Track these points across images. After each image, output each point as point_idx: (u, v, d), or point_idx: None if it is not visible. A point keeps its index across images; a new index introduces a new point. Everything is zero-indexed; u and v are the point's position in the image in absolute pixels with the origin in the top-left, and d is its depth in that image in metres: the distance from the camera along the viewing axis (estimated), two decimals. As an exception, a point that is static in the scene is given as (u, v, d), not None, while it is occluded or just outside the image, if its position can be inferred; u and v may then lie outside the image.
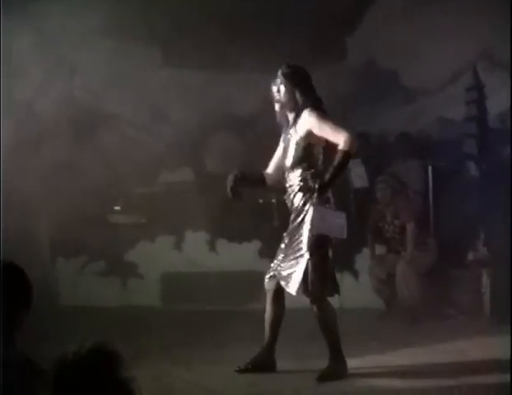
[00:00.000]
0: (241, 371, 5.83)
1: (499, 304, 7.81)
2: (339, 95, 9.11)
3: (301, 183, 5.66)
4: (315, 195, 5.52)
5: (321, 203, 5.53)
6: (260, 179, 6.12)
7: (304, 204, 5.60)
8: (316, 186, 5.52)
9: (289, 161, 5.73)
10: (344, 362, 5.65)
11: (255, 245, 9.59)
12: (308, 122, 5.60)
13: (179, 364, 6.04)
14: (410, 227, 8.21)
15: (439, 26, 9.90)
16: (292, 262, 5.64)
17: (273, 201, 10.33)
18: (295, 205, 5.68)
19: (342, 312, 6.67)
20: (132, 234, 9.67)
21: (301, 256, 5.59)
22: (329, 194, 5.62)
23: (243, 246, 9.65)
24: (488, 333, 7.20)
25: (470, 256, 8.41)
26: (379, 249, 8.71)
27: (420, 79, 10.26)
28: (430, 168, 9.20)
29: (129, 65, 9.48)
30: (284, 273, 5.69)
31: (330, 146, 5.61)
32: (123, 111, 9.82)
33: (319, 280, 5.55)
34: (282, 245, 5.79)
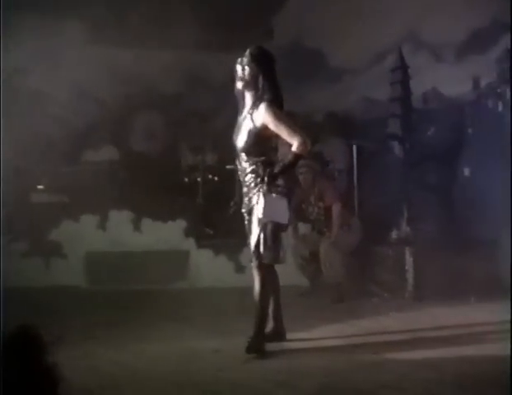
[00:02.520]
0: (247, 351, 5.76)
1: (421, 282, 7.96)
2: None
3: (252, 167, 5.72)
4: (265, 183, 5.58)
5: (270, 191, 5.62)
6: None
7: (255, 186, 5.70)
8: (266, 176, 5.61)
9: (240, 144, 5.77)
10: (263, 338, 5.72)
11: (180, 224, 9.57)
12: (264, 116, 5.65)
13: (104, 345, 5.98)
14: (335, 208, 8.25)
15: (365, 7, 9.97)
16: (249, 234, 5.77)
17: (198, 179, 10.34)
18: (246, 183, 5.78)
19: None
20: (55, 213, 9.55)
21: (254, 228, 5.70)
22: (279, 180, 5.69)
23: (167, 225, 9.62)
24: (411, 310, 7.33)
25: (393, 235, 8.52)
26: (303, 228, 8.76)
27: (345, 59, 10.35)
28: (354, 147, 9.29)
29: (53, 42, 9.32)
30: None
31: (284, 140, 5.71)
32: (46, 88, 9.66)
33: (269, 249, 5.63)
34: (246, 222, 5.84)
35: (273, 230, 5.69)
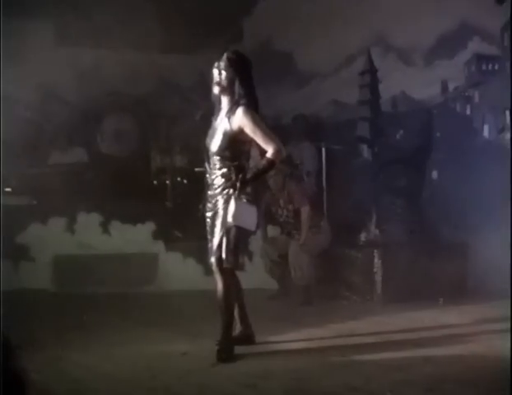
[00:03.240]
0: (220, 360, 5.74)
1: (389, 285, 7.99)
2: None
3: (223, 171, 5.69)
4: (236, 188, 5.57)
5: (240, 197, 5.59)
6: None
7: (223, 190, 5.67)
8: (238, 181, 5.58)
9: (214, 147, 5.74)
10: (231, 342, 5.72)
11: (149, 227, 9.54)
12: (241, 120, 5.62)
13: (73, 349, 5.94)
14: (304, 211, 8.25)
15: (334, 10, 10.01)
16: (212, 237, 5.73)
17: (167, 182, 10.31)
18: (215, 186, 5.73)
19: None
20: (23, 215, 9.48)
21: (217, 231, 5.67)
22: (248, 188, 5.67)
23: (136, 228, 9.58)
24: (379, 313, 7.36)
25: (362, 237, 8.55)
26: (273, 231, 8.77)
27: (314, 62, 10.39)
28: (323, 150, 9.32)
29: (20, 43, 9.26)
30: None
31: (258, 146, 5.70)
32: (13, 90, 9.58)
33: (231, 254, 5.62)
34: (207, 227, 5.81)
35: (237, 236, 5.66)
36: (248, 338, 6.04)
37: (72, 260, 9.32)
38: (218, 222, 5.68)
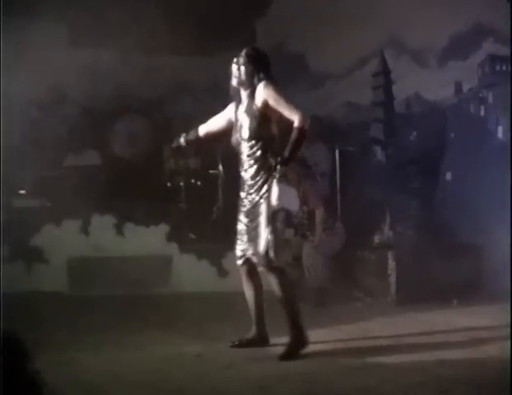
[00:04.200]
0: (235, 346, 5.95)
1: (403, 286, 7.97)
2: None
3: (258, 158, 5.70)
4: (277, 171, 5.56)
5: (281, 179, 5.58)
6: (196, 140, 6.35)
7: (262, 179, 5.67)
8: (277, 163, 5.57)
9: (245, 133, 5.74)
10: (305, 338, 5.73)
11: (163, 229, 9.54)
12: (264, 92, 5.65)
13: (86, 351, 5.95)
14: (318, 213, 8.24)
15: (347, 12, 10.00)
16: (256, 237, 5.70)
17: (181, 184, 10.32)
18: (251, 178, 5.73)
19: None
20: (37, 217, 9.50)
21: (262, 229, 5.65)
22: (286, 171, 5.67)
23: (150, 230, 9.59)
24: (392, 315, 7.34)
25: (376, 239, 8.53)
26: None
27: (327, 64, 10.37)
28: (337, 151, 9.30)
29: (35, 45, 9.28)
30: (251, 251, 5.72)
31: (284, 124, 5.67)
32: (28, 92, 9.62)
33: (281, 252, 5.63)
34: (242, 226, 5.80)
35: (284, 220, 5.70)
36: (262, 340, 6.04)
37: (85, 262, 9.34)
38: (262, 211, 5.65)
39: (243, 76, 5.78)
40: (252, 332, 6.04)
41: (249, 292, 6.04)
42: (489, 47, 10.10)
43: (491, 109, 9.95)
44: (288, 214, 5.79)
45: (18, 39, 8.95)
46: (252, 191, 5.75)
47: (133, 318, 7.32)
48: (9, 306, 7.32)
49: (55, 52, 9.63)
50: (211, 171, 9.99)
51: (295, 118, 5.55)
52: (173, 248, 9.48)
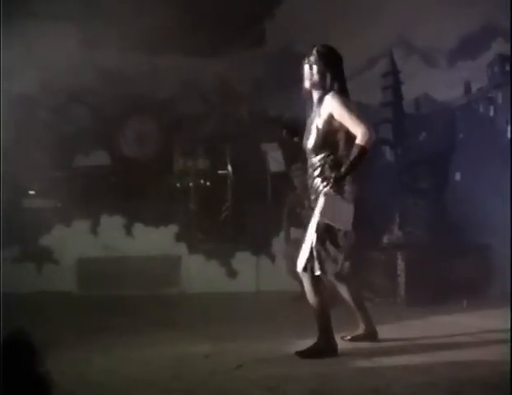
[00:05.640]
0: (349, 340, 6.09)
1: (412, 287, 7.96)
2: (257, 80, 9.13)
3: (320, 169, 5.63)
4: (330, 185, 5.50)
5: (334, 193, 5.50)
6: None
7: (321, 189, 5.59)
8: (332, 177, 5.50)
9: (310, 144, 5.68)
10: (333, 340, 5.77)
11: (172, 229, 9.56)
12: (330, 105, 5.53)
13: (95, 351, 5.96)
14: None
15: (356, 12, 9.99)
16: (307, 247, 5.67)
17: (190, 184, 10.34)
18: (314, 188, 5.69)
19: (259, 294, 6.68)
20: (47, 218, 9.53)
21: (310, 232, 5.64)
22: (346, 185, 5.60)
23: (159, 230, 9.61)
24: (402, 315, 7.33)
25: (385, 239, 8.52)
26: (295, 233, 8.75)
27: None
28: (346, 152, 9.28)
29: (44, 46, 9.30)
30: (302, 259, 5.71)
31: (351, 134, 5.51)
32: (37, 93, 9.64)
33: (328, 263, 5.68)
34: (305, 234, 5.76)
35: (323, 235, 5.60)
36: (372, 336, 6.15)
37: (95, 262, 9.37)
38: (312, 222, 5.62)
39: (315, 77, 5.64)
40: (360, 329, 6.17)
41: (313, 302, 5.91)
42: (498, 47, 10.09)
43: (500, 109, 9.94)
44: (330, 229, 5.62)
45: (27, 40, 8.97)
46: (314, 197, 5.70)
47: (143, 318, 7.33)
48: (19, 306, 7.36)
49: (65, 53, 9.64)
50: (220, 172, 9.99)
51: (359, 134, 5.41)
52: (182, 249, 9.50)
